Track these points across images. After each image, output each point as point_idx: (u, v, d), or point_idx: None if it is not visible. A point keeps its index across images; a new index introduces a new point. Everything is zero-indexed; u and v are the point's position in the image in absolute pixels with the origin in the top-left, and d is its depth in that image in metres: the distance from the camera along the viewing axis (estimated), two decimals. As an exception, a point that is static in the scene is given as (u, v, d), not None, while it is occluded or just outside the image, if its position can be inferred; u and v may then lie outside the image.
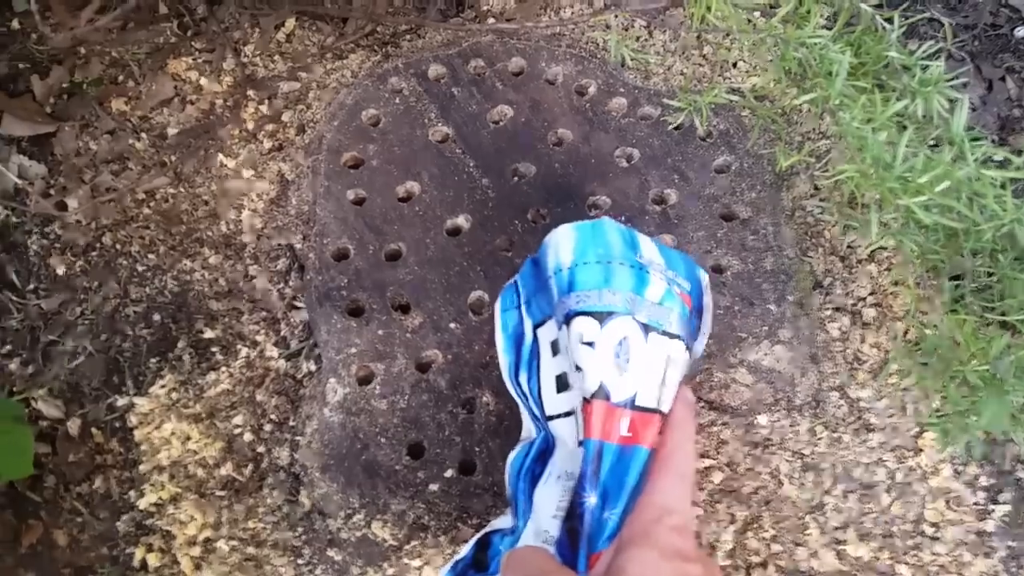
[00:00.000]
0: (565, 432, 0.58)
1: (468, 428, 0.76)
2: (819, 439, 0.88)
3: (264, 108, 0.98)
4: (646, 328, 0.57)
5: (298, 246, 0.87)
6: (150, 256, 0.91)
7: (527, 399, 0.63)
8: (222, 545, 0.78)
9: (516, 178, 0.90)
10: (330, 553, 0.76)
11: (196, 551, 0.78)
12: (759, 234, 0.88)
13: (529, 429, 0.64)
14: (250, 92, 0.97)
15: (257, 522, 0.79)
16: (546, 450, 0.61)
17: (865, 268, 0.94)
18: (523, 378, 0.63)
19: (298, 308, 0.88)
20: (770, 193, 0.90)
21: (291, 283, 0.89)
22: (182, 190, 0.94)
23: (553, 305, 0.61)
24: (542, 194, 0.88)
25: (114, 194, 0.93)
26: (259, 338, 0.87)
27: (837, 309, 0.93)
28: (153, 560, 0.77)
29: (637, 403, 0.55)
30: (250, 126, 0.97)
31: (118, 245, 0.91)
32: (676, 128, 0.95)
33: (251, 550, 0.78)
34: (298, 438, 0.80)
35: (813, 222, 0.95)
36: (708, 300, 0.65)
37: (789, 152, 0.88)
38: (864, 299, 0.94)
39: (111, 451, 0.82)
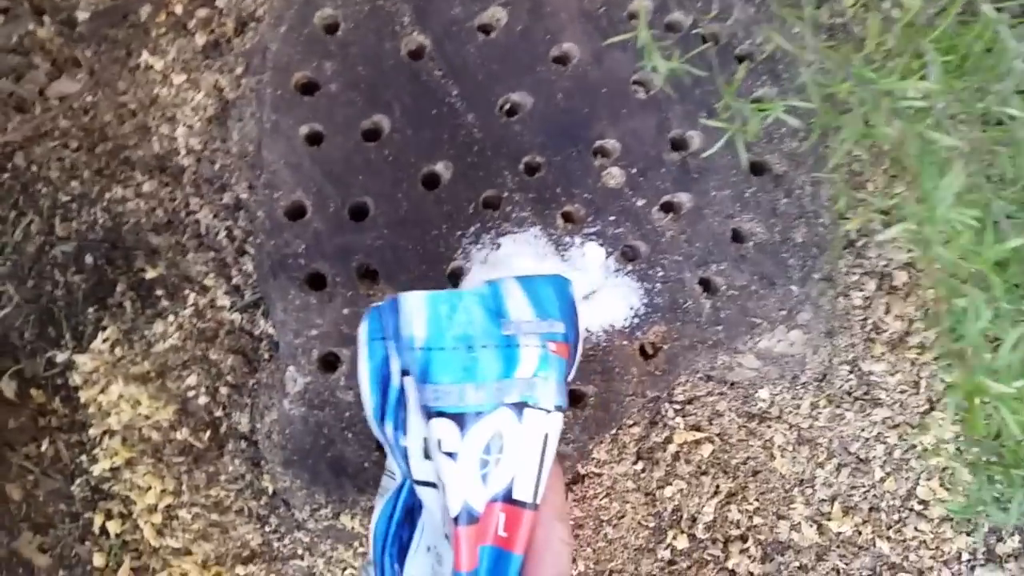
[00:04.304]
0: (432, 503, 0.53)
1: (442, 423, 0.69)
2: (820, 413, 0.82)
3: (194, -16, 0.78)
4: (520, 407, 0.51)
5: (243, 196, 0.73)
6: (73, 183, 0.77)
7: (392, 449, 0.56)
8: (184, 513, 0.75)
9: (508, 113, 0.74)
10: (297, 534, 0.73)
11: (158, 518, 0.75)
12: (793, 196, 0.74)
13: (392, 467, 0.58)
14: (175, -40, 0.76)
15: (219, 489, 0.76)
16: (413, 508, 0.55)
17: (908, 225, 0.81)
18: (388, 427, 0.56)
19: (250, 254, 0.76)
20: (815, 142, 0.75)
21: (240, 222, 0.77)
22: (102, 97, 0.77)
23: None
24: (540, 135, 0.73)
25: (19, 101, 0.76)
26: (208, 282, 0.77)
27: (866, 273, 0.82)
28: (114, 527, 0.75)
29: (513, 496, 0.50)
30: (178, 10, 0.78)
31: (34, 167, 0.77)
32: (708, 42, 0.76)
33: (215, 517, 0.75)
34: (257, 407, 0.74)
35: (859, 169, 0.80)
36: (581, 319, 0.58)
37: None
38: (897, 260, 0.82)
39: (55, 412, 0.76)
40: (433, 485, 0.53)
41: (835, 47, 0.58)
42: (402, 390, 0.55)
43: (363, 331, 0.56)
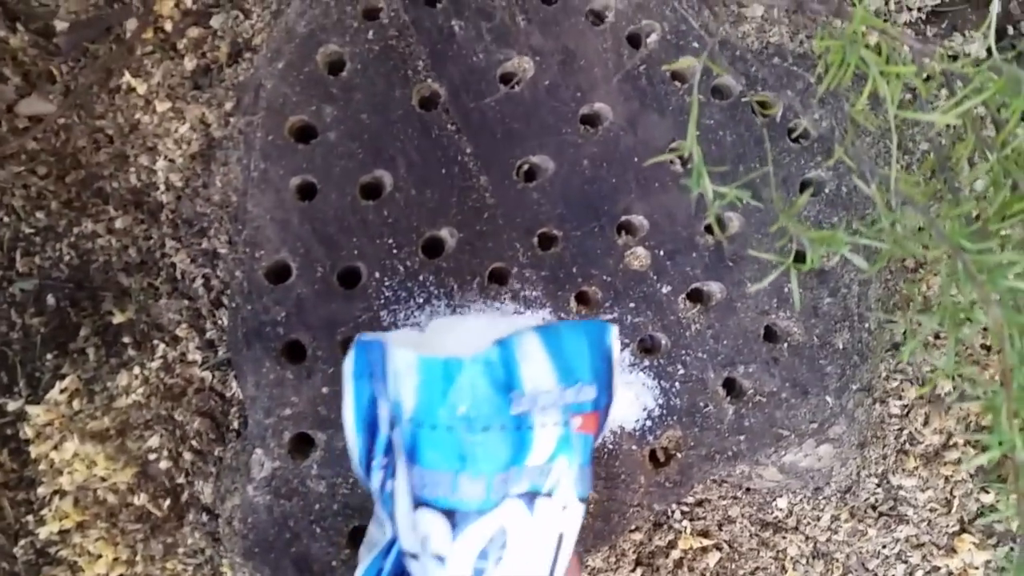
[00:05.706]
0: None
1: (423, 523, 0.62)
2: (840, 527, 0.75)
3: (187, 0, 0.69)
4: (531, 498, 0.43)
5: (222, 250, 0.66)
6: (39, 214, 0.69)
7: (380, 503, 0.48)
8: (137, 587, 0.68)
9: (526, 178, 0.66)
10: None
11: (107, 591, 0.68)
12: (838, 295, 0.66)
13: (381, 520, 0.49)
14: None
15: (177, 563, 0.69)
16: (401, 574, 0.47)
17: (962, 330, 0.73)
18: (376, 478, 0.46)
19: (227, 308, 0.69)
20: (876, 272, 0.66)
21: (219, 271, 0.69)
22: (77, 120, 0.69)
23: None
24: (558, 206, 0.65)
25: (-16, 117, 0.68)
26: (180, 333, 0.69)
27: (907, 380, 0.74)
28: (58, 597, 0.68)
29: None
30: (167, 27, 0.69)
31: (-5, 193, 0.69)
32: (760, 114, 0.68)
33: (170, 593, 0.69)
34: (219, 488, 0.66)
35: (912, 265, 0.72)
36: (616, 367, 0.49)
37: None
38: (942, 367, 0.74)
39: (1, 466, 0.69)
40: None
41: (917, 174, 0.50)
42: (389, 446, 0.46)
43: (348, 365, 0.47)
